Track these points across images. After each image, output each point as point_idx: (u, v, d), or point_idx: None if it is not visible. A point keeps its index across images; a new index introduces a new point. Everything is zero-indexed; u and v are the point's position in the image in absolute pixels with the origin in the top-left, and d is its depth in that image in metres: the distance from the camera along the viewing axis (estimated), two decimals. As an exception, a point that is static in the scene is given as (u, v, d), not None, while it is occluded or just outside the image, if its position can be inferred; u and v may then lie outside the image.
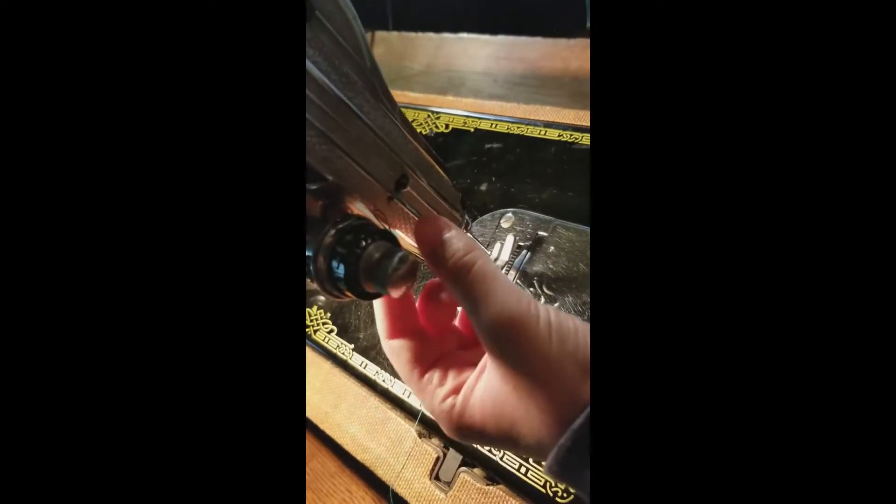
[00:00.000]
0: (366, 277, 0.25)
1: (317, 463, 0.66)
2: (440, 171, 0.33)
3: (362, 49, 0.26)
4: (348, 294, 0.26)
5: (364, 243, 0.25)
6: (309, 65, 0.23)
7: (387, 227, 0.30)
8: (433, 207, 0.34)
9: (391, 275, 0.25)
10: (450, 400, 0.26)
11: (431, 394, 0.26)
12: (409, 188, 0.30)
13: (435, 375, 0.27)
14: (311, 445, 0.66)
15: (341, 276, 0.25)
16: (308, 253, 0.26)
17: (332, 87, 0.24)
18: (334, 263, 0.25)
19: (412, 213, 0.32)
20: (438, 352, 0.28)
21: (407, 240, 0.34)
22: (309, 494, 0.63)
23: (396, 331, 0.28)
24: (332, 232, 0.25)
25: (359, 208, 0.29)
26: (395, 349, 0.28)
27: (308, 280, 0.26)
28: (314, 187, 0.26)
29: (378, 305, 0.29)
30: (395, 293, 0.25)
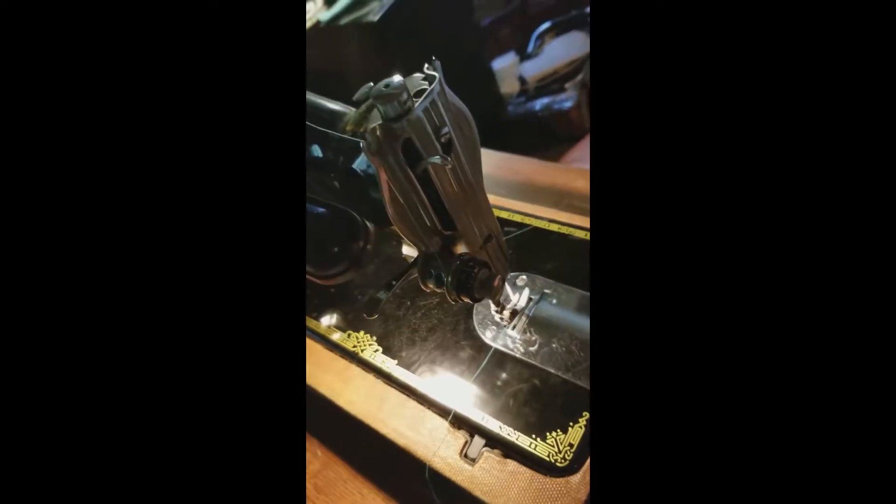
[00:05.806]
0: (479, 289, 0.39)
1: (331, 472, 0.72)
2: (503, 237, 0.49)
3: (477, 157, 0.42)
4: (464, 298, 0.40)
5: (476, 269, 0.40)
6: (462, 162, 0.39)
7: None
8: (499, 257, 0.49)
9: (494, 288, 0.39)
10: None
11: None
12: (492, 243, 0.46)
13: None
14: (326, 457, 0.73)
15: (464, 287, 0.39)
16: (436, 272, 0.41)
17: (470, 176, 0.40)
18: (461, 279, 0.39)
19: (489, 259, 0.47)
20: None
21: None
22: (323, 498, 0.69)
23: None
24: (459, 261, 0.40)
25: (461, 249, 0.44)
26: None
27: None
28: (446, 233, 0.41)
29: None
30: (495, 299, 0.40)
